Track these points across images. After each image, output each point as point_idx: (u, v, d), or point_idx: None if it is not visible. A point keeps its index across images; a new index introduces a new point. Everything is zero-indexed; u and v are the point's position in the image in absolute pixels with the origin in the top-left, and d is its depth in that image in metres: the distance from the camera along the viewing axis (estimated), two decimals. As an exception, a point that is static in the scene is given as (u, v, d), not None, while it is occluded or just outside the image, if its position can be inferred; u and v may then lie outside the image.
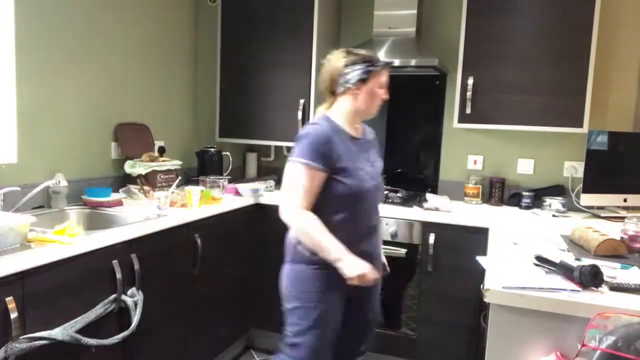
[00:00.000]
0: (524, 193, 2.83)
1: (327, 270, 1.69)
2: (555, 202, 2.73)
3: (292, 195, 1.69)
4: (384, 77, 1.78)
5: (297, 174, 1.68)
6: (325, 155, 1.67)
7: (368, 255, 1.74)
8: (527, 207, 2.80)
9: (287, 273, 1.82)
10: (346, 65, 1.74)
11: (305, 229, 1.68)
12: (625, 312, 1.23)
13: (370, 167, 1.80)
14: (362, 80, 1.74)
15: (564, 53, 2.57)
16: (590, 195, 2.62)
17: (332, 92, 1.81)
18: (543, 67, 2.61)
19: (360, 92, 1.75)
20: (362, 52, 1.78)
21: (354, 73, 1.73)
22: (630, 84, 2.79)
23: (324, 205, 1.70)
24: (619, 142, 2.63)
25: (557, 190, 2.88)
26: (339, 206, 1.71)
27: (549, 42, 2.60)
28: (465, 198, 2.95)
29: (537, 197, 2.82)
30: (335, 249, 1.65)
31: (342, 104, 1.79)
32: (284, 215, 1.71)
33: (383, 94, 1.79)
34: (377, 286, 1.88)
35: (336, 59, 1.78)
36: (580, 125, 2.57)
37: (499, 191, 2.92)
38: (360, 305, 1.88)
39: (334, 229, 1.68)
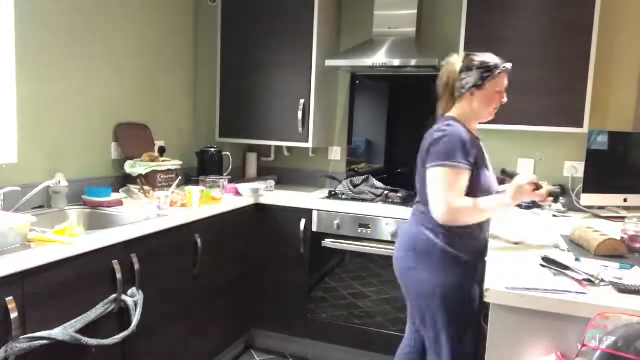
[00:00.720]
0: None
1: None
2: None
3: (447, 197, 1.69)
4: (501, 82, 1.80)
5: (447, 176, 1.70)
6: (468, 153, 1.72)
7: (485, 244, 1.85)
8: (528, 207, 2.80)
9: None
10: (461, 71, 1.80)
11: (472, 211, 1.70)
12: (625, 312, 1.23)
13: (490, 169, 1.88)
14: (477, 86, 1.78)
15: (564, 53, 2.57)
16: (590, 195, 2.62)
17: (451, 94, 1.87)
18: (543, 67, 2.61)
19: (475, 97, 1.80)
20: (481, 57, 1.80)
21: (469, 79, 1.78)
22: (630, 84, 2.79)
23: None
24: (619, 142, 2.63)
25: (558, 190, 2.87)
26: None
27: (549, 42, 2.60)
28: None
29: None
30: (498, 201, 1.75)
31: (459, 107, 1.85)
32: (446, 218, 1.71)
33: (500, 99, 1.82)
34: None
35: (453, 63, 1.84)
36: (581, 125, 2.57)
37: None
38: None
39: (468, 228, 1.77)
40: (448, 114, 1.86)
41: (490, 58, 1.80)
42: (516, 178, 1.75)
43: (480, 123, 1.90)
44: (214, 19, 3.26)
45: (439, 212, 1.72)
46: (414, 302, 1.87)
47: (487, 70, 1.77)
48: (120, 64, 2.70)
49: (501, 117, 2.74)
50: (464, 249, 1.77)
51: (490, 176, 1.83)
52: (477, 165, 1.75)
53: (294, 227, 2.84)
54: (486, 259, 1.70)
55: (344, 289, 2.80)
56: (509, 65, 1.80)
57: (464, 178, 1.71)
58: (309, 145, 3.08)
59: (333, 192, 3.04)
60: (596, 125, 2.75)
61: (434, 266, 1.77)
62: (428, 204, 1.77)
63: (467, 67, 1.79)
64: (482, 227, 1.85)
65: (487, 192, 1.78)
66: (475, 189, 1.74)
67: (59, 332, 1.58)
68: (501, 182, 1.99)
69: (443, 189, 1.70)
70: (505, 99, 1.84)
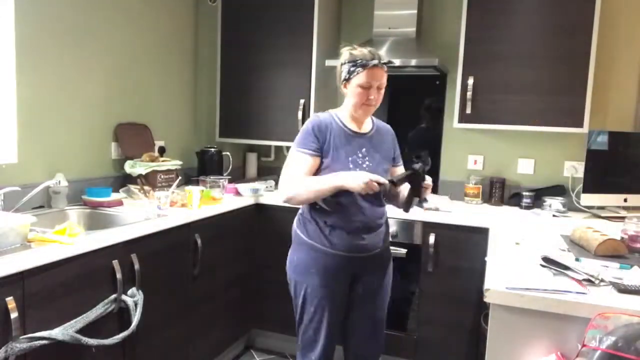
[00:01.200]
0: (525, 193, 2.83)
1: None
2: (555, 202, 2.73)
3: (285, 177, 1.83)
4: (365, 78, 1.77)
5: (290, 159, 1.84)
6: (317, 140, 1.80)
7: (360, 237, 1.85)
8: (528, 207, 2.80)
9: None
10: (342, 63, 1.84)
11: (298, 188, 1.78)
12: (625, 312, 1.23)
13: (364, 162, 1.85)
14: (347, 80, 1.82)
15: (564, 53, 2.57)
16: (590, 195, 2.62)
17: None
18: (543, 67, 2.61)
19: (347, 90, 1.84)
20: (359, 50, 1.80)
21: (343, 71, 1.83)
22: (630, 84, 2.79)
23: None
24: (619, 142, 2.64)
25: (558, 190, 2.88)
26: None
27: (549, 42, 2.60)
28: (466, 198, 2.95)
29: (538, 197, 2.82)
30: (329, 179, 1.75)
31: (344, 101, 1.90)
32: (280, 194, 1.83)
33: (364, 95, 1.79)
34: (382, 285, 1.95)
35: (341, 56, 1.85)
36: (581, 125, 2.57)
37: (499, 191, 2.93)
38: (365, 300, 1.92)
39: (327, 211, 1.83)
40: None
41: (366, 53, 1.78)
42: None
43: (360, 117, 1.89)
44: (214, 19, 3.26)
45: (278, 189, 1.88)
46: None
47: (353, 64, 1.78)
48: (120, 64, 2.70)
49: (501, 117, 2.77)
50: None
51: (352, 168, 1.81)
52: (330, 156, 1.80)
53: (294, 227, 2.83)
54: (486, 258, 1.70)
55: (344, 289, 2.80)
56: (371, 62, 1.76)
57: (308, 162, 1.80)
58: (309, 145, 3.08)
59: (333, 192, 3.04)
60: (596, 125, 2.75)
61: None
62: None
63: (345, 60, 1.82)
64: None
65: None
66: (322, 174, 1.81)
67: (59, 332, 1.58)
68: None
69: (286, 169, 1.84)
70: (372, 96, 1.79)
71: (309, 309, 1.88)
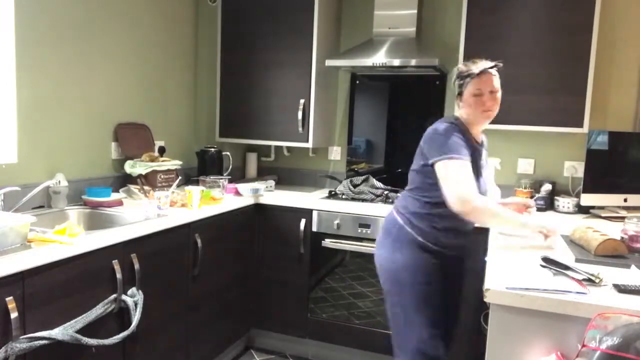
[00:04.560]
0: (537, 195, 2.80)
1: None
2: (564, 201, 2.72)
3: (463, 188, 1.74)
4: (475, 86, 1.86)
5: (455, 168, 1.76)
6: (466, 147, 1.82)
7: (455, 248, 1.96)
8: (541, 209, 2.77)
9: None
10: (453, 81, 1.96)
11: (490, 213, 1.76)
12: (625, 312, 1.23)
13: (484, 172, 1.98)
14: (459, 94, 1.92)
15: (564, 53, 2.57)
16: (590, 195, 2.62)
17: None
18: (543, 67, 2.61)
19: (462, 102, 1.92)
20: (468, 65, 1.90)
21: (456, 86, 1.94)
22: (630, 84, 2.79)
23: (437, 200, 1.83)
24: (619, 142, 2.63)
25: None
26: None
27: (549, 42, 2.60)
28: None
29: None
30: (532, 223, 1.85)
31: (460, 109, 1.97)
32: (466, 208, 1.73)
33: (479, 102, 1.86)
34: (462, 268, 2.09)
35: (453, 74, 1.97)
36: (581, 125, 2.57)
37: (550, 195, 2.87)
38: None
39: (438, 220, 1.88)
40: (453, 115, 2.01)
41: (472, 66, 1.88)
42: (554, 225, 1.86)
43: (483, 125, 1.95)
44: (214, 19, 3.26)
45: (457, 200, 1.75)
46: None
47: (460, 78, 1.90)
48: (120, 64, 2.70)
49: (501, 117, 2.76)
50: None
51: (478, 179, 1.86)
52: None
53: (294, 227, 2.84)
54: (486, 258, 1.70)
55: (344, 289, 2.80)
56: (476, 70, 1.85)
57: (469, 167, 1.79)
58: (309, 145, 3.08)
59: (333, 192, 3.04)
60: (596, 125, 2.75)
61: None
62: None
63: (456, 75, 1.93)
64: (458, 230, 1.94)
65: None
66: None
67: (58, 332, 1.58)
68: None
69: (455, 177, 1.77)
70: (488, 102, 1.87)
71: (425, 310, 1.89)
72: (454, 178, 1.75)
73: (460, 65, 1.93)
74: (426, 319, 1.85)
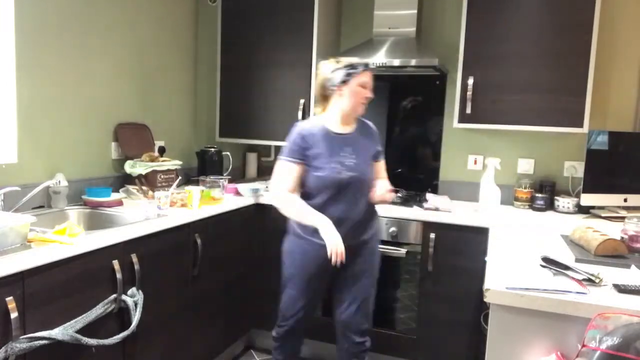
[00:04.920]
0: (537, 195, 2.80)
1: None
2: (564, 201, 2.73)
3: (276, 183, 2.09)
4: (364, 78, 2.03)
5: (279, 167, 2.09)
6: (301, 149, 2.04)
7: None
8: (541, 209, 2.77)
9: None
10: (332, 71, 2.05)
11: (287, 204, 2.08)
12: (625, 312, 1.23)
13: (351, 160, 2.05)
14: (344, 82, 2.02)
15: (564, 53, 2.57)
16: (590, 195, 2.62)
17: (324, 97, 2.11)
18: (543, 67, 2.61)
19: (343, 92, 2.03)
20: (347, 59, 2.06)
21: (337, 76, 2.03)
22: (630, 84, 2.79)
23: (306, 192, 2.08)
24: (619, 142, 2.63)
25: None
26: (317, 192, 2.04)
27: (549, 42, 2.60)
28: (516, 203, 2.90)
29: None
30: (317, 219, 2.01)
31: (332, 106, 2.09)
32: (271, 199, 2.19)
33: (365, 93, 2.05)
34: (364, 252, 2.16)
35: (324, 67, 2.09)
36: (580, 125, 2.57)
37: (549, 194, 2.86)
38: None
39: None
40: (319, 113, 2.16)
41: (357, 59, 2.06)
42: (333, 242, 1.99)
43: (353, 117, 2.12)
44: (214, 19, 3.26)
45: (269, 194, 2.24)
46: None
47: (351, 67, 2.02)
48: (120, 64, 2.70)
49: (501, 117, 2.77)
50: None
51: (338, 168, 2.02)
52: (316, 162, 2.03)
53: (294, 227, 2.83)
54: (486, 258, 1.70)
55: (344, 289, 2.80)
56: (366, 62, 2.08)
57: (293, 170, 2.05)
58: (309, 145, 3.08)
59: (333, 192, 3.04)
60: (596, 125, 2.75)
61: None
62: None
63: (336, 68, 2.04)
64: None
65: (324, 184, 2.02)
66: (309, 181, 2.05)
67: (58, 332, 1.58)
68: None
69: (277, 176, 2.10)
70: (370, 94, 2.06)
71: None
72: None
73: (349, 59, 2.07)
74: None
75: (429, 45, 3.05)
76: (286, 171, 2.06)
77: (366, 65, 2.06)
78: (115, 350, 1.89)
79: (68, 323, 1.64)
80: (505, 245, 1.89)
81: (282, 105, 3.11)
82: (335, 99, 2.06)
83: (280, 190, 2.06)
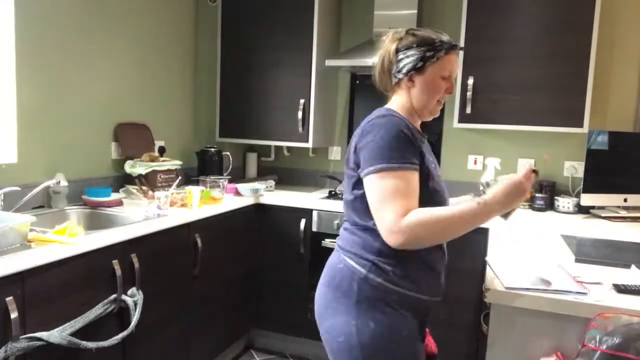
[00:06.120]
0: (537, 195, 2.80)
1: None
2: (564, 201, 2.73)
3: (388, 210, 1.23)
4: (448, 65, 1.37)
5: (383, 184, 1.25)
6: (415, 147, 1.31)
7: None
8: (540, 209, 2.77)
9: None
10: (398, 50, 1.38)
11: (429, 226, 1.23)
12: (625, 312, 1.23)
13: (438, 170, 1.46)
14: (418, 70, 1.37)
15: (564, 53, 2.57)
16: (590, 195, 2.62)
17: (387, 85, 1.45)
18: (543, 67, 2.61)
19: (415, 84, 1.39)
20: (424, 32, 1.39)
21: (408, 60, 1.37)
22: (630, 84, 2.79)
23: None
24: (619, 142, 2.63)
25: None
26: None
27: (549, 42, 2.60)
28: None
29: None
30: (487, 208, 1.24)
31: (396, 100, 1.44)
32: (391, 239, 1.23)
33: (447, 88, 1.39)
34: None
35: (389, 41, 1.41)
36: (581, 125, 2.57)
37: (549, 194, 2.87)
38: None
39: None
40: (384, 108, 1.43)
41: (437, 34, 1.38)
42: (508, 176, 1.28)
43: (423, 120, 1.47)
44: (214, 19, 3.26)
45: (384, 231, 1.25)
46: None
47: (431, 48, 1.36)
48: (120, 64, 2.70)
49: (501, 117, 2.77)
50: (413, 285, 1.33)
51: (442, 183, 1.42)
52: (428, 171, 1.34)
53: (294, 227, 2.84)
54: (487, 258, 1.70)
55: (344, 289, 2.80)
56: (454, 42, 1.39)
57: (412, 180, 1.27)
58: (309, 145, 3.08)
59: (333, 192, 3.04)
60: (596, 125, 2.75)
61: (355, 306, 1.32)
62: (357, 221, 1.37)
63: (406, 45, 1.38)
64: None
65: (438, 204, 1.32)
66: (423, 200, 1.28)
67: (57, 336, 1.57)
68: None
69: (385, 198, 1.25)
70: (452, 89, 1.41)
71: None
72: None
73: (426, 32, 1.39)
74: None
75: (429, 45, 3.05)
76: (402, 184, 1.24)
77: (452, 45, 1.37)
78: (116, 350, 1.88)
79: (68, 323, 1.64)
80: (505, 245, 1.89)
81: (282, 105, 3.11)
82: (402, 91, 1.42)
83: (406, 217, 1.22)
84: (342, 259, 1.38)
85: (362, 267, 1.33)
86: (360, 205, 1.35)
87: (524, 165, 2.99)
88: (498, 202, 1.24)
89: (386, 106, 1.45)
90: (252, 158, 3.51)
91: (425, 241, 1.26)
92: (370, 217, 1.30)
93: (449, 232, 1.26)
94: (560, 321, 1.31)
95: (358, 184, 1.34)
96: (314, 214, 2.80)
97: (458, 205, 1.26)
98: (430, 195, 1.32)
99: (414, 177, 1.28)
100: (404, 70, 1.38)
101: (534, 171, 1.28)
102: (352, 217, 1.40)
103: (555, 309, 1.30)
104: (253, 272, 2.93)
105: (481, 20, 2.69)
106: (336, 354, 1.40)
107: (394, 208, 1.23)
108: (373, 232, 1.32)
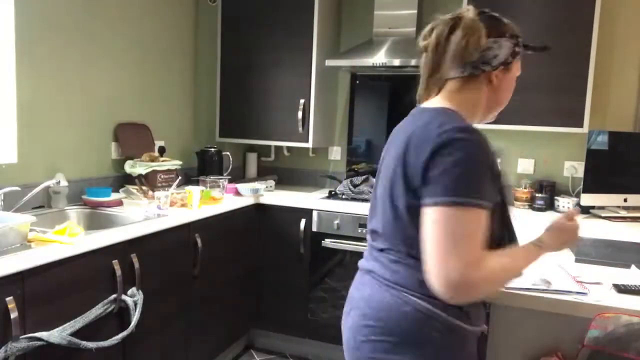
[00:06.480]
0: (538, 195, 2.80)
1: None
2: (564, 201, 2.73)
3: (456, 256, 1.00)
4: (520, 65, 1.24)
5: (454, 221, 1.01)
6: (495, 176, 1.13)
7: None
8: (540, 209, 2.77)
9: None
10: (489, 36, 1.16)
11: (493, 283, 1.07)
12: (625, 312, 1.23)
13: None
14: (505, 64, 1.18)
15: (564, 53, 2.57)
16: (590, 195, 2.62)
17: (445, 70, 1.20)
18: (543, 67, 2.61)
19: (498, 81, 1.19)
20: (505, 20, 1.24)
21: (500, 51, 1.16)
22: (630, 84, 2.79)
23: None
24: (619, 142, 2.63)
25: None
26: (485, 250, 1.05)
27: (549, 42, 2.58)
28: (516, 203, 2.89)
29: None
30: (530, 253, 1.14)
31: (460, 96, 1.19)
32: (447, 289, 1.01)
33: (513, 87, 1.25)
34: None
35: (473, 22, 1.18)
36: (580, 125, 2.57)
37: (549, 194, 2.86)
38: None
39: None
40: (440, 105, 1.20)
41: (515, 27, 1.22)
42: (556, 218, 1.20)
43: (479, 123, 1.27)
44: (214, 19, 3.26)
45: (441, 280, 1.02)
46: None
47: (518, 44, 1.19)
48: (120, 64, 2.70)
49: (501, 117, 2.76)
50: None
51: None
52: (503, 193, 1.16)
53: (294, 227, 2.84)
54: None
55: (344, 289, 2.80)
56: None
57: (485, 219, 1.04)
58: (309, 145, 3.08)
59: (333, 192, 3.04)
60: (596, 125, 2.75)
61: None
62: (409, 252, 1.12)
63: (499, 33, 1.17)
64: None
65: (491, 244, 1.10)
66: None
67: (57, 336, 1.57)
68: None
69: (456, 241, 1.01)
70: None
71: None
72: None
73: (506, 20, 1.23)
74: None
75: (429, 45, 3.05)
76: (477, 226, 1.02)
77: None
78: (116, 350, 1.88)
79: (68, 323, 1.64)
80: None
81: (282, 105, 3.11)
82: (474, 85, 1.18)
83: (476, 269, 1.00)
84: (408, 299, 1.09)
85: (441, 310, 1.08)
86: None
87: (524, 165, 2.99)
88: (551, 245, 1.17)
89: (446, 102, 1.19)
90: (252, 158, 3.51)
91: (481, 296, 1.11)
92: None
93: (506, 281, 1.14)
94: (560, 321, 1.31)
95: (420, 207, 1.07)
96: (314, 214, 2.80)
97: (517, 250, 1.13)
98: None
99: (487, 217, 1.05)
100: (494, 63, 1.16)
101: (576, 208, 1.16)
102: (405, 246, 1.12)
103: (555, 309, 1.30)
104: (253, 272, 2.93)
105: (481, 20, 2.68)
106: None
107: (464, 256, 1.00)
108: None
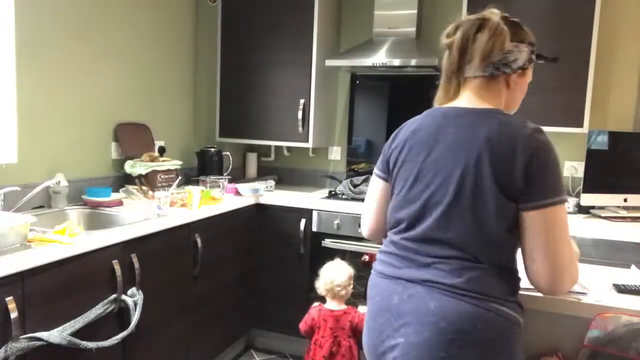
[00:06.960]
0: None
1: None
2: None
3: (568, 249, 1.12)
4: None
5: (565, 217, 1.13)
6: None
7: None
8: None
9: None
10: (512, 40, 1.22)
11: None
12: (625, 312, 1.23)
13: None
14: (523, 69, 1.26)
15: (564, 53, 2.57)
16: (590, 195, 2.62)
17: (469, 69, 1.23)
18: (543, 67, 2.59)
19: (515, 84, 1.28)
20: (525, 27, 1.28)
21: (520, 55, 1.23)
22: (630, 84, 2.79)
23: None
24: (619, 142, 2.63)
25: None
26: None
27: (549, 42, 2.59)
28: None
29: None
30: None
31: (492, 96, 1.24)
32: (562, 279, 1.12)
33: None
34: None
35: (499, 25, 1.22)
36: (581, 125, 2.57)
37: None
38: None
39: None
40: (482, 105, 1.22)
41: (530, 33, 1.28)
42: None
43: None
44: (214, 19, 3.26)
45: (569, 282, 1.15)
46: None
47: (534, 51, 1.26)
48: (120, 64, 2.70)
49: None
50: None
51: None
52: None
53: (294, 227, 2.84)
54: None
55: (344, 289, 2.80)
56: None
57: None
58: (309, 145, 3.08)
59: (333, 192, 3.04)
60: (596, 125, 2.75)
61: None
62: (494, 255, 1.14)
63: (520, 39, 1.23)
64: None
65: None
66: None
67: (57, 336, 1.57)
68: None
69: (567, 236, 1.13)
70: None
71: None
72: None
73: (526, 27, 1.27)
74: None
75: (429, 45, 3.05)
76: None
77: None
78: (116, 350, 1.88)
79: (68, 323, 1.64)
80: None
81: (282, 105, 3.11)
82: (496, 86, 1.24)
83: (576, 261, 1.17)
84: (489, 306, 1.10)
85: (513, 311, 1.14)
86: (516, 242, 1.15)
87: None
88: None
89: (483, 102, 1.23)
90: (252, 158, 3.51)
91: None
92: (514, 258, 1.16)
93: None
94: (560, 321, 1.31)
95: (515, 214, 1.12)
96: (314, 214, 2.80)
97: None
98: None
99: None
100: (514, 66, 1.22)
101: None
102: (494, 255, 1.13)
103: (555, 309, 1.30)
104: (253, 272, 2.93)
105: (481, 20, 2.68)
106: None
107: (570, 248, 1.12)
108: (514, 273, 1.18)
